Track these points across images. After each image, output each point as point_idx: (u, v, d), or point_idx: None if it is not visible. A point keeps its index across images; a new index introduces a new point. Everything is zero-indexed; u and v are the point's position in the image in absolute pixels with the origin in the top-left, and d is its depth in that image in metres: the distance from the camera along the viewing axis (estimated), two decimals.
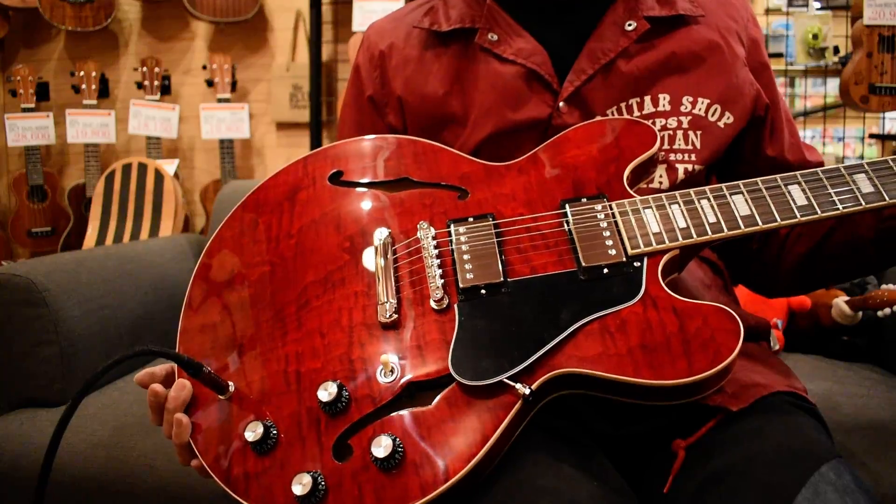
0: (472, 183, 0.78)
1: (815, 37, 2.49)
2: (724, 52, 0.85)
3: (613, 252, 0.70)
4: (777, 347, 1.39)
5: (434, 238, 0.74)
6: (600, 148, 0.78)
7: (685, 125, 0.83)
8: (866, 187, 0.70)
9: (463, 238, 0.73)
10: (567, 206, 0.74)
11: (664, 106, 0.84)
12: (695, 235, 0.70)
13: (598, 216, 0.72)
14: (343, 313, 0.71)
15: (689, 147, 0.83)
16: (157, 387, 0.68)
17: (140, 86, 2.90)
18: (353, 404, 0.65)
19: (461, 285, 0.70)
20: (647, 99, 0.84)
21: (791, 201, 0.70)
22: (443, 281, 0.70)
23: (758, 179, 0.72)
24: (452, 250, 0.73)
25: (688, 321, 0.64)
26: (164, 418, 0.68)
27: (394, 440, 0.61)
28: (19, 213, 3.02)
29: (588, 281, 0.68)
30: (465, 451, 0.61)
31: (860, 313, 1.38)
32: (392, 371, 0.66)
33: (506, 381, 0.63)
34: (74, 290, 1.20)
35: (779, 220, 0.69)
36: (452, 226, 0.75)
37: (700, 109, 0.84)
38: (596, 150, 0.77)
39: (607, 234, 0.71)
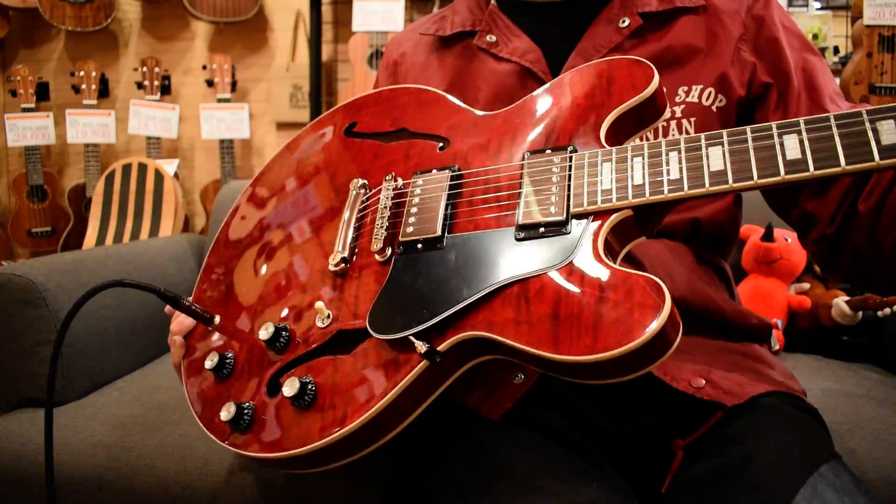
0: (457, 133, 0.78)
1: (815, 37, 2.49)
2: (720, 38, 0.85)
3: (554, 210, 0.63)
4: (777, 347, 1.39)
5: (396, 189, 0.75)
6: (588, 93, 0.71)
7: (678, 114, 0.83)
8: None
9: (419, 190, 0.73)
10: (527, 157, 0.69)
11: None
12: (647, 194, 0.60)
13: (554, 169, 0.66)
14: (309, 259, 0.77)
15: (684, 135, 0.83)
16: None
17: (140, 86, 2.90)
18: (291, 345, 0.71)
19: (400, 238, 0.70)
20: None
21: (779, 155, 0.56)
22: (386, 233, 0.71)
23: (748, 128, 0.59)
24: (407, 202, 0.73)
25: (610, 293, 0.56)
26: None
27: (306, 382, 0.65)
28: (19, 213, 3.02)
29: (522, 240, 0.64)
30: (364, 402, 0.63)
31: (860, 313, 1.38)
32: (328, 317, 0.70)
33: (410, 338, 0.61)
34: (74, 290, 1.20)
35: (756, 178, 0.57)
36: (415, 177, 0.75)
37: (693, 96, 0.83)
38: (583, 95, 0.71)
39: (556, 189, 0.65)
